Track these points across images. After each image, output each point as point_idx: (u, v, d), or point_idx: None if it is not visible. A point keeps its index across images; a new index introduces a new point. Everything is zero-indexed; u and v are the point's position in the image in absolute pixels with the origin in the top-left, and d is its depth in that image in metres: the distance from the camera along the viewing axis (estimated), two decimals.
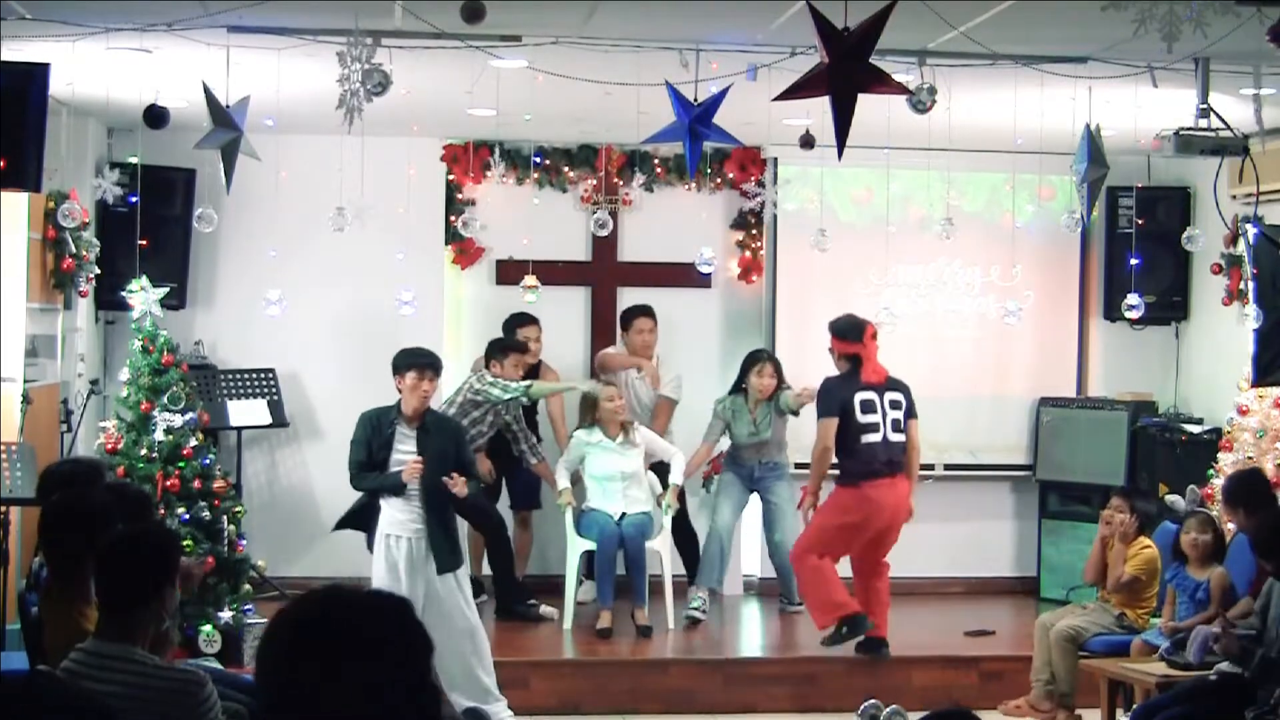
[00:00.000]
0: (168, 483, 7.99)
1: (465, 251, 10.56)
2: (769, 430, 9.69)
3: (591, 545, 9.18)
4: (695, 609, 9.42)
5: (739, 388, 9.78)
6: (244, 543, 8.44)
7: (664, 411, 10.11)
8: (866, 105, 5.40)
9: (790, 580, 9.59)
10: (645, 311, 10.23)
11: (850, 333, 8.66)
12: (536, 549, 10.21)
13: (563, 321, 10.28)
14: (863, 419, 8.53)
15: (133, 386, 8.25)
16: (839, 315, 8.85)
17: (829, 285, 10.64)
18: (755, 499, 9.93)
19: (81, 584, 4.97)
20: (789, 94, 5.38)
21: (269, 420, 10.08)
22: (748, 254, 10.82)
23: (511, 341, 9.62)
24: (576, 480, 9.44)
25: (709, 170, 10.39)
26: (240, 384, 10.07)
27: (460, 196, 10.53)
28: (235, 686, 6.39)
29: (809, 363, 10.65)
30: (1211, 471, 9.01)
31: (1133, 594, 7.93)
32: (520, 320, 9.84)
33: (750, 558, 10.69)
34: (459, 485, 7.58)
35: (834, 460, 8.61)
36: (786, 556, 9.46)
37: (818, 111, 5.73)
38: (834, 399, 8.59)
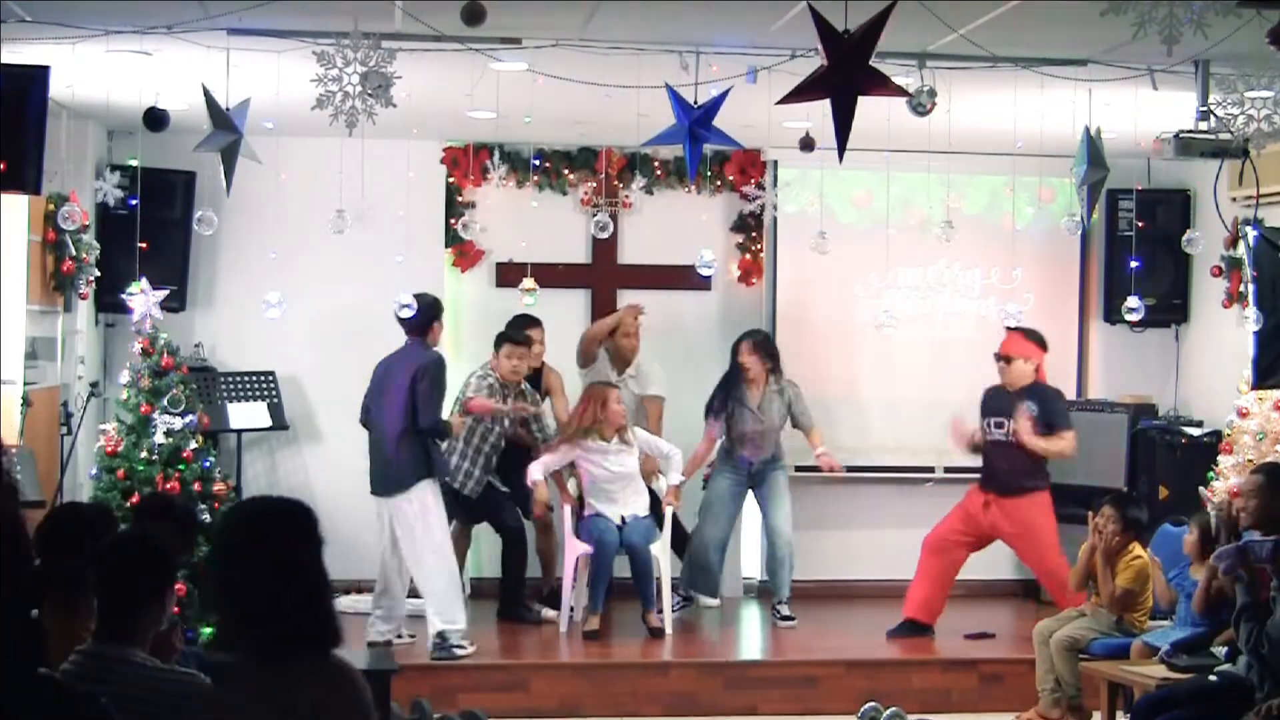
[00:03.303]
0: (168, 485, 7.99)
1: (465, 254, 10.57)
2: (774, 415, 9.66)
3: (587, 549, 9.18)
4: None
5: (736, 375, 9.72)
6: None
7: (655, 410, 10.07)
8: (866, 108, 5.40)
9: (784, 573, 9.64)
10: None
11: (1042, 340, 9.36)
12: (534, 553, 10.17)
13: (563, 324, 10.27)
14: None
15: (132, 389, 8.25)
16: (1027, 328, 9.36)
17: (829, 288, 10.66)
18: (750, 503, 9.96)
19: (86, 600, 4.93)
20: (790, 97, 5.38)
21: (269, 423, 10.08)
22: (748, 256, 10.82)
23: (508, 332, 9.63)
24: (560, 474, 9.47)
25: (709, 173, 10.39)
26: (240, 386, 10.07)
27: (460, 199, 10.54)
28: None
29: (808, 364, 10.69)
30: (1211, 474, 9.00)
31: (1127, 604, 7.92)
32: (522, 322, 9.81)
33: (750, 560, 10.70)
34: None
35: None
36: (784, 545, 9.63)
37: (818, 114, 5.74)
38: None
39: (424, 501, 8.57)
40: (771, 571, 9.81)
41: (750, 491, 9.84)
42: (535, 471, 9.30)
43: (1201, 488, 8.46)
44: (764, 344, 9.79)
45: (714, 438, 9.75)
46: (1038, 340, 9.33)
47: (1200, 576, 7.49)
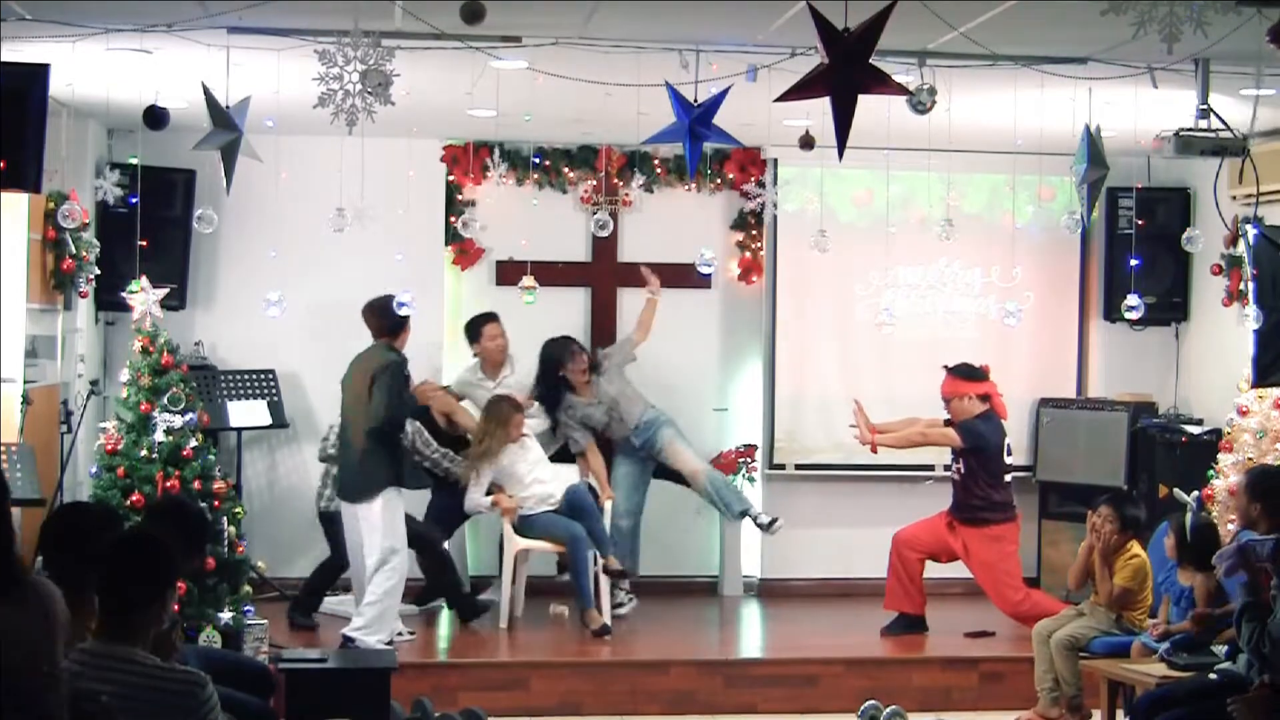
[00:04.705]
0: (168, 484, 7.98)
1: (465, 252, 10.57)
2: (609, 390, 9.77)
3: (528, 544, 9.28)
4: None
5: (560, 388, 9.80)
6: (244, 543, 8.44)
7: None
8: (866, 106, 5.39)
9: (728, 493, 9.77)
10: (493, 318, 9.99)
11: (977, 373, 9.34)
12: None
13: (562, 323, 10.27)
14: (1009, 460, 9.36)
15: (132, 387, 8.24)
16: (959, 366, 9.38)
17: (829, 286, 10.66)
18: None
19: (87, 599, 4.92)
20: (790, 95, 5.37)
21: (269, 421, 10.09)
22: (748, 255, 10.82)
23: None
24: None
25: (709, 171, 10.40)
26: (240, 385, 10.07)
27: (460, 197, 10.54)
28: (239, 668, 6.47)
29: (809, 364, 10.71)
30: (1212, 472, 9.01)
31: (1126, 603, 7.92)
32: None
33: (750, 558, 10.69)
34: None
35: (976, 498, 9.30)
36: (704, 476, 9.75)
37: (818, 112, 5.73)
38: (985, 440, 9.23)
39: (389, 510, 8.55)
40: (714, 502, 9.82)
41: (651, 461, 9.90)
42: (482, 504, 9.35)
43: (1177, 489, 8.46)
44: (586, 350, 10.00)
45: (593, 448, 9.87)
46: (967, 375, 9.38)
47: (1187, 583, 7.51)
